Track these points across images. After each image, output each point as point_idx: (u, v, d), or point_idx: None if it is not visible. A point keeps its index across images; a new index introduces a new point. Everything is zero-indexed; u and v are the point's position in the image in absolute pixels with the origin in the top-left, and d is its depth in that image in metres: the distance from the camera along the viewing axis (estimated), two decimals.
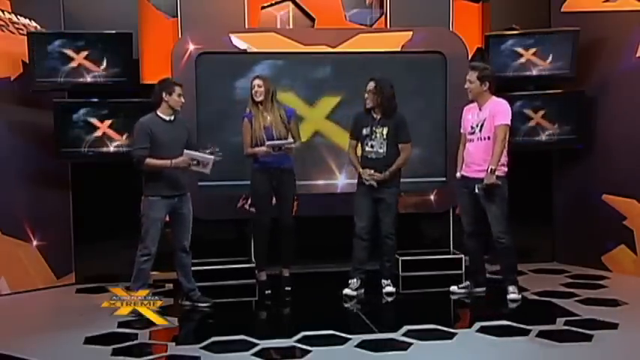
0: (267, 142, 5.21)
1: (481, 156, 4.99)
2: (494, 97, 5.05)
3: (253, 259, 5.75)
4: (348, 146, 5.44)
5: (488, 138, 4.97)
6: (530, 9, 6.36)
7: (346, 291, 5.25)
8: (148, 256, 4.78)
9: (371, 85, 5.19)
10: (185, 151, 4.74)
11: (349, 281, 5.29)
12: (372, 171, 5.18)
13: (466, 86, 5.06)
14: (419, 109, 5.94)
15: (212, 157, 4.78)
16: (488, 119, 4.97)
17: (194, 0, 5.91)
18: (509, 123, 4.98)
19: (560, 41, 5.99)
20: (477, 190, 4.94)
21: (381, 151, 5.21)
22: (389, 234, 5.26)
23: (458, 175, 5.21)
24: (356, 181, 5.38)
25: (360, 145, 5.32)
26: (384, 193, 5.21)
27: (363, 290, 5.31)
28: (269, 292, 5.40)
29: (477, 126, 5.03)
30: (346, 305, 5.10)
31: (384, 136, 5.20)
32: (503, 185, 4.96)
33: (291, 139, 5.25)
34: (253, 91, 5.30)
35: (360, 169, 5.26)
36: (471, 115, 5.12)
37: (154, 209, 4.78)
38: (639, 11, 5.75)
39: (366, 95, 5.21)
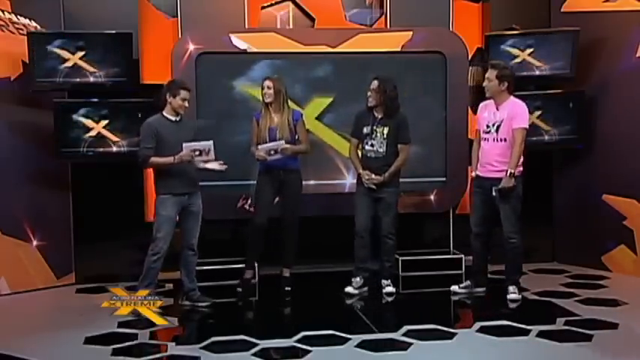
0: (260, 147, 5.20)
1: (496, 157, 4.97)
2: (512, 98, 5.02)
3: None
4: (350, 145, 5.44)
5: (505, 140, 4.94)
6: (530, 9, 6.35)
7: (348, 289, 5.26)
8: (158, 254, 4.77)
9: (374, 83, 5.17)
10: (184, 144, 4.73)
11: (352, 279, 5.29)
12: (373, 175, 5.18)
13: (484, 84, 5.05)
14: (419, 109, 5.92)
15: (210, 142, 4.77)
16: (505, 121, 4.94)
17: (194, 0, 5.90)
18: (527, 126, 4.98)
19: (560, 41, 5.98)
20: (494, 193, 4.93)
21: (381, 150, 5.20)
22: (389, 233, 5.26)
23: (473, 174, 5.21)
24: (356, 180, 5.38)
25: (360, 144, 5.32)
26: (383, 193, 5.20)
27: (366, 289, 5.31)
28: (240, 290, 5.39)
29: (493, 126, 5.00)
30: (347, 303, 5.10)
31: (384, 136, 5.19)
32: (518, 185, 4.95)
33: (281, 141, 5.17)
34: (263, 92, 5.27)
35: (360, 170, 5.25)
36: (487, 113, 5.08)
37: (165, 207, 4.79)
38: (639, 11, 5.75)
39: (369, 93, 5.18)
